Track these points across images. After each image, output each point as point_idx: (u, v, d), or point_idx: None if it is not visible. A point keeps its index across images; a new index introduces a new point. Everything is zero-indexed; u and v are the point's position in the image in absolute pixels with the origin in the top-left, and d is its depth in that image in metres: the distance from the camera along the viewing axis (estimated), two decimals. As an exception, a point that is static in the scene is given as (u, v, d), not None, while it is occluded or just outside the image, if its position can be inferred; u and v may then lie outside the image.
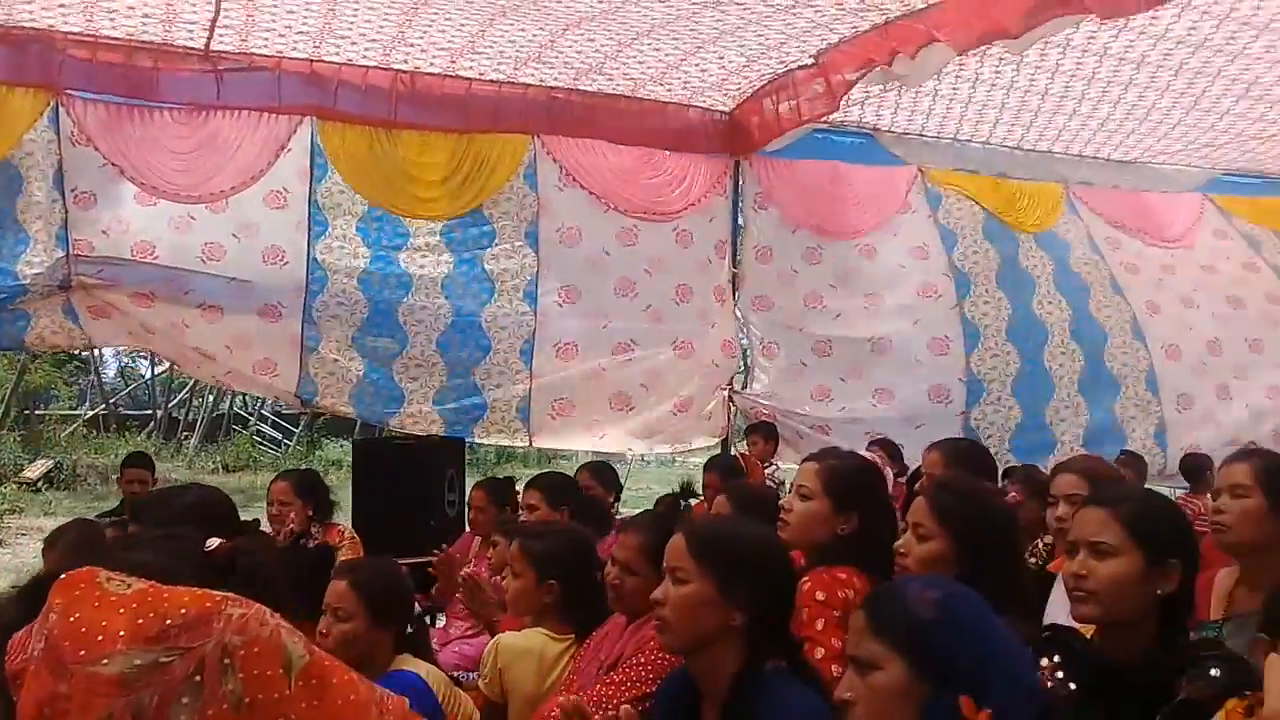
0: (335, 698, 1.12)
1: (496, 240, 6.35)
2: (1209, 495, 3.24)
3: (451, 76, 6.06)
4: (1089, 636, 2.28)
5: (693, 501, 5.56)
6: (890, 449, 5.99)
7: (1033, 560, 4.13)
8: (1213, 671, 2.03)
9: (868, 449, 5.26)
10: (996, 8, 4.76)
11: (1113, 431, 7.36)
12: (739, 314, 7.04)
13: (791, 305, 7.04)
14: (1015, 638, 1.87)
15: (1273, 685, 1.78)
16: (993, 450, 6.93)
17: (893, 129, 7.03)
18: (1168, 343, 7.59)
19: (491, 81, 6.14)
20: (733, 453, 7.00)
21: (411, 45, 5.71)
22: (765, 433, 6.86)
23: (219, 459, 19.93)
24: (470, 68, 6.00)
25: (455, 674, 3.73)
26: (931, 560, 2.58)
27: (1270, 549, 2.79)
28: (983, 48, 5.23)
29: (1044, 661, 2.14)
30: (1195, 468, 6.75)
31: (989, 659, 1.73)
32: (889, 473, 4.72)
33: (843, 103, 6.08)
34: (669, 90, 6.37)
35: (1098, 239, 7.68)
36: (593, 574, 2.97)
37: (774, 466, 6.66)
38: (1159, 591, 2.18)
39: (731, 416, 7.06)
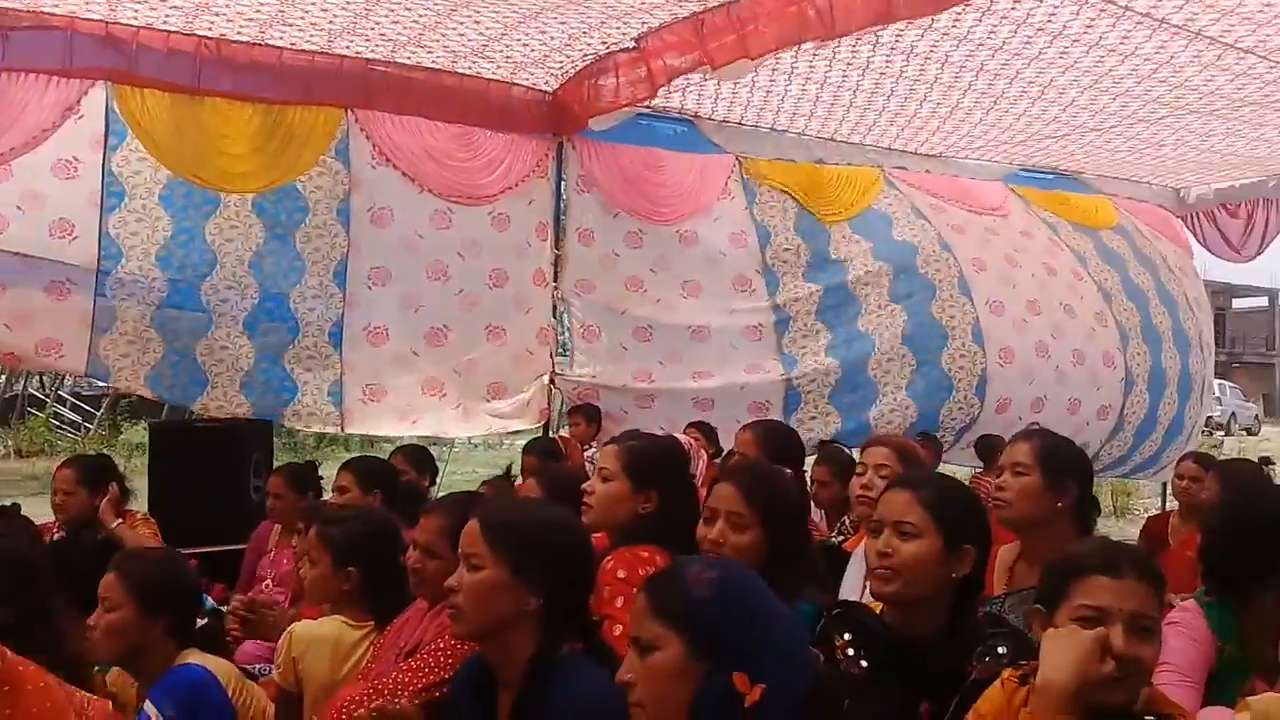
0: (29, 705, 1.04)
1: (310, 217, 6.13)
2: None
3: (261, 45, 5.80)
4: (879, 613, 2.36)
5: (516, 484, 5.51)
6: (706, 431, 6.09)
7: (839, 538, 4.28)
8: (1000, 650, 2.15)
9: (685, 431, 5.34)
10: (806, 3, 4.87)
11: (940, 381, 7.65)
12: (562, 296, 7.00)
13: (613, 289, 7.04)
14: (793, 615, 1.92)
15: (1048, 654, 1.89)
16: (815, 405, 7.32)
17: (713, 117, 7.13)
18: (992, 299, 7.88)
19: (305, 51, 5.91)
20: (553, 435, 6.99)
21: (217, 14, 5.43)
22: (587, 415, 6.86)
23: (11, 443, 18.67)
24: (281, 37, 5.75)
25: (256, 666, 3.58)
26: (750, 548, 2.59)
27: (1048, 524, 2.95)
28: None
29: (836, 639, 2.21)
30: (989, 448, 7.10)
31: (764, 636, 1.77)
32: (704, 455, 4.80)
33: (664, 89, 6.12)
34: (491, 65, 6.26)
35: (922, 206, 7.95)
36: (394, 559, 2.89)
37: (593, 449, 6.68)
38: (954, 574, 2.28)
39: (553, 400, 7.04)
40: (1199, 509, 5.21)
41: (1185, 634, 2.60)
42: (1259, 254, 9.28)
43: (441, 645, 2.47)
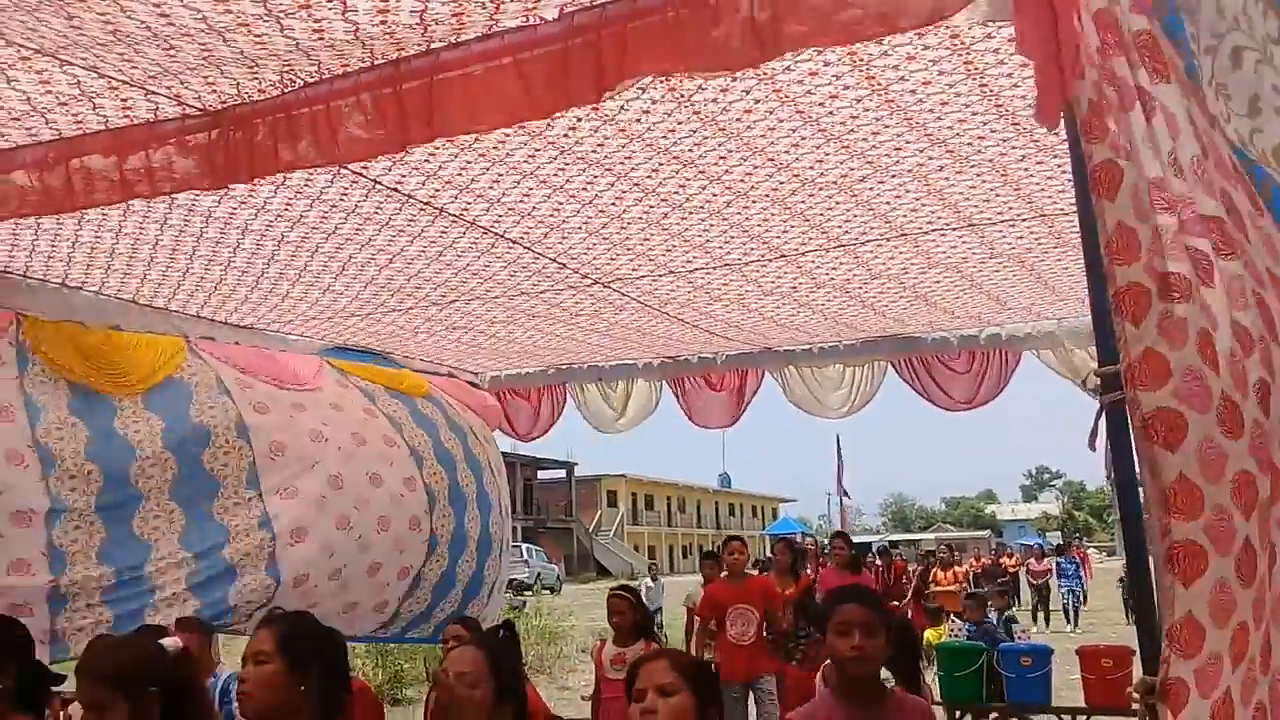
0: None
1: None
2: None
3: None
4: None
5: None
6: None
7: None
8: None
9: None
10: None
11: (226, 570, 7.32)
12: None
13: None
14: None
15: None
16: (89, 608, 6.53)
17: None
18: (284, 486, 7.76)
19: None
20: None
21: None
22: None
23: None
24: None
25: None
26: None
27: (290, 712, 3.19)
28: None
29: None
30: None
31: None
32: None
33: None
34: None
35: (228, 380, 7.69)
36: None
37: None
38: None
39: None
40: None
41: None
42: (543, 434, 10.50)
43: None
